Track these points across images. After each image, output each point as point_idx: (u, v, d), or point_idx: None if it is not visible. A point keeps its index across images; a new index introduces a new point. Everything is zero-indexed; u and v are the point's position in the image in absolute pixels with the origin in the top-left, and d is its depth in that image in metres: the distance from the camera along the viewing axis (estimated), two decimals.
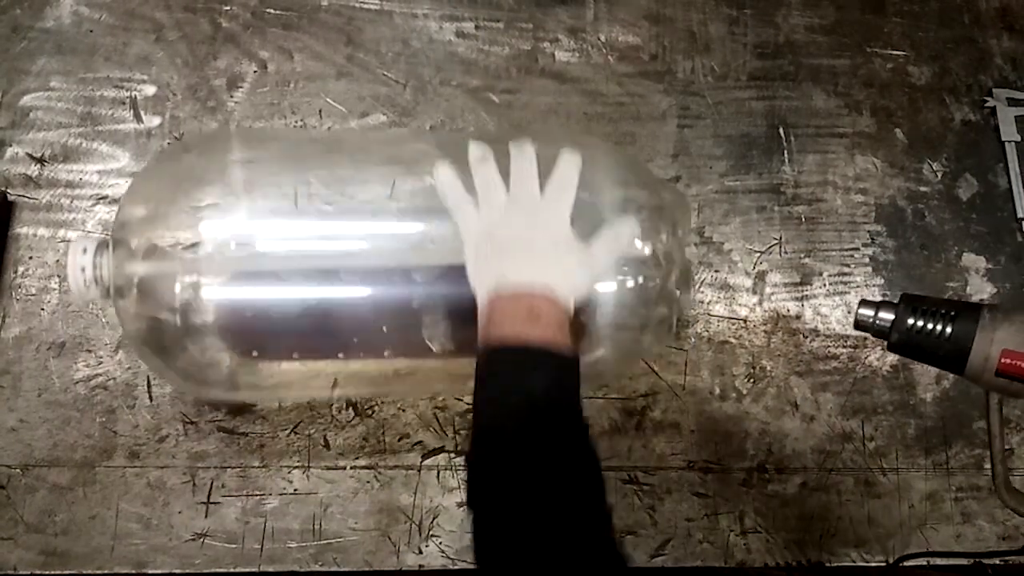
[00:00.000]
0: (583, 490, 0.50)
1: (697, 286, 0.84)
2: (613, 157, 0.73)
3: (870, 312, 0.60)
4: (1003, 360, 0.54)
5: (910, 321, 0.58)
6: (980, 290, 0.87)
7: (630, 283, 0.65)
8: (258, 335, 0.66)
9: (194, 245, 0.63)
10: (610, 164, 0.69)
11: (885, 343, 0.60)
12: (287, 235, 0.66)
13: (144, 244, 0.62)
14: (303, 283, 0.64)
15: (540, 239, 0.56)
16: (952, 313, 0.57)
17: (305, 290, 0.65)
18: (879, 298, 0.61)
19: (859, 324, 0.61)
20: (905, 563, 0.77)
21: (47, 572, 0.71)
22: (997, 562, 0.80)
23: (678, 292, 0.67)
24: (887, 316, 0.59)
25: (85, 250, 0.59)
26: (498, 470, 0.49)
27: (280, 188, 0.66)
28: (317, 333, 0.67)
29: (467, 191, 0.58)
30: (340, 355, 0.67)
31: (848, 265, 0.86)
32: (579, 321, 0.63)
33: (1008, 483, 0.61)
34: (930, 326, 0.57)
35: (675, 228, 0.67)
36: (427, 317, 0.65)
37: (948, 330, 0.56)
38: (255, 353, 0.67)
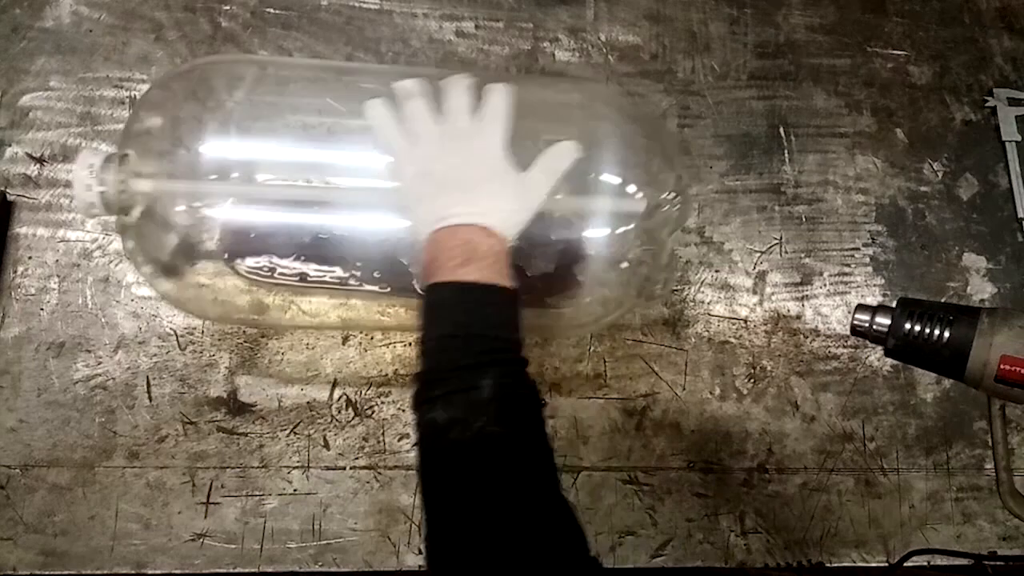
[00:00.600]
0: (523, 431, 0.49)
1: (697, 286, 0.84)
2: (617, 103, 0.74)
3: (866, 317, 0.59)
4: (1002, 366, 0.53)
5: (907, 326, 0.57)
6: (981, 290, 0.87)
7: (609, 229, 0.65)
8: (259, 253, 0.67)
9: (199, 168, 0.64)
10: (613, 108, 0.70)
11: (882, 348, 0.60)
12: (287, 161, 0.67)
13: (150, 163, 0.62)
14: (301, 207, 0.65)
15: (473, 172, 0.56)
16: (950, 318, 0.56)
17: (302, 213, 0.65)
18: (875, 303, 0.60)
19: (855, 329, 0.60)
20: (907, 563, 0.77)
21: (46, 572, 0.71)
22: (998, 562, 0.80)
23: (665, 236, 0.67)
24: (884, 321, 0.58)
25: (92, 165, 0.59)
26: (444, 400, 0.49)
27: (281, 118, 0.67)
28: (316, 250, 0.67)
29: (397, 129, 0.57)
30: (338, 272, 0.69)
31: (849, 265, 0.86)
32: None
33: (1013, 489, 0.60)
34: (927, 331, 0.56)
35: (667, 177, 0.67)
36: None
37: (946, 335, 0.55)
38: (254, 272, 0.68)
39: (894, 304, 0.59)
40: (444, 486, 0.48)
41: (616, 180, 0.65)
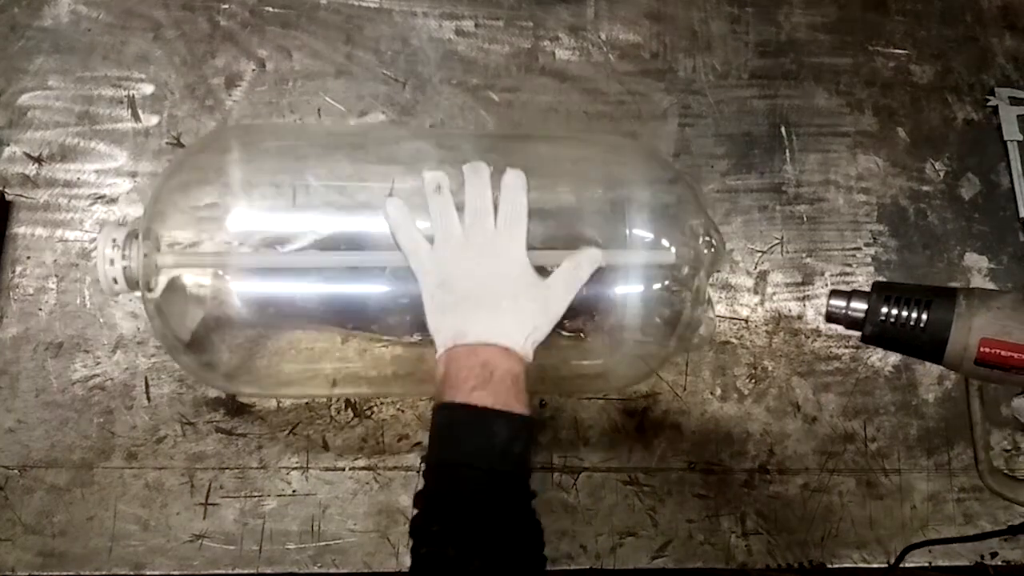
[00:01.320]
0: (521, 563, 0.49)
1: None
2: (650, 163, 0.73)
3: (841, 303, 0.57)
4: (982, 349, 0.52)
5: (883, 310, 0.55)
6: None
7: (641, 284, 0.65)
8: (282, 324, 0.67)
9: (219, 239, 0.63)
10: (643, 168, 0.70)
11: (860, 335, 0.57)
12: (306, 231, 0.66)
13: (172, 236, 0.62)
14: (321, 277, 0.64)
15: (496, 285, 0.54)
16: (927, 300, 0.54)
17: (324, 283, 0.64)
18: (850, 287, 0.59)
19: (831, 316, 0.58)
20: (908, 564, 0.77)
21: (45, 573, 0.71)
22: (999, 563, 0.80)
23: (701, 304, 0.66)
24: (859, 306, 0.56)
25: (115, 241, 0.58)
26: (442, 536, 0.49)
27: (306, 186, 0.66)
28: (333, 321, 0.66)
29: (417, 229, 0.56)
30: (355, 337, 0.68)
31: (850, 265, 0.86)
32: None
33: (992, 467, 0.59)
34: (905, 315, 0.54)
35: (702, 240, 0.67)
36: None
37: (924, 319, 0.54)
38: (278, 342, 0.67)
39: (869, 288, 0.57)
40: None
41: (647, 235, 0.65)
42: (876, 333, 0.56)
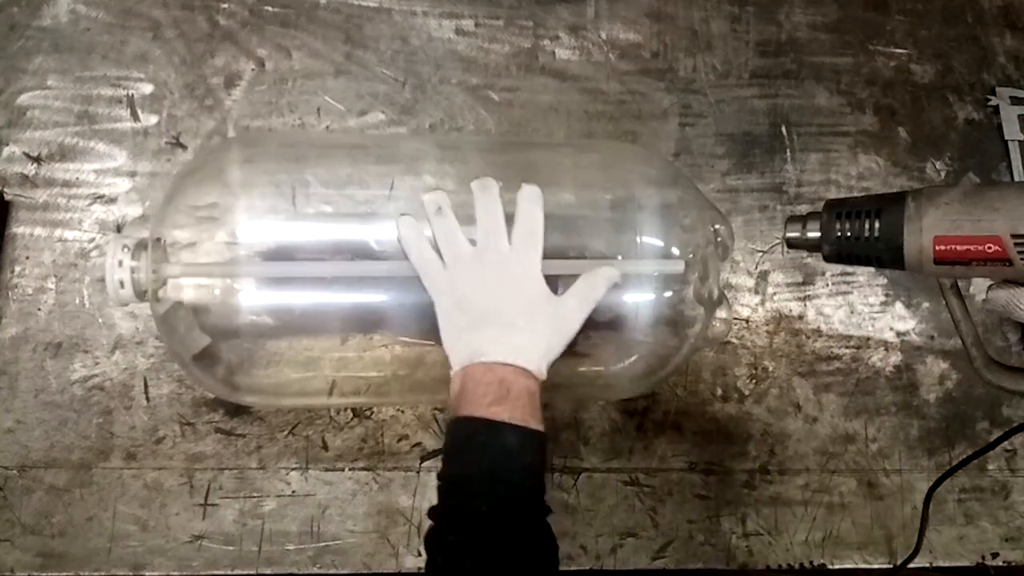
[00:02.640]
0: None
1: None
2: (656, 166, 0.73)
3: (798, 226, 0.57)
4: (937, 247, 0.50)
5: (837, 227, 0.54)
6: (982, 290, 0.86)
7: (652, 290, 0.65)
8: (287, 333, 0.67)
9: (232, 250, 0.63)
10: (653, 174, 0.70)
11: (822, 256, 0.57)
12: (324, 240, 0.67)
13: (181, 246, 0.62)
14: (330, 286, 0.64)
15: (510, 305, 0.54)
16: (876, 209, 0.53)
17: (333, 291, 0.64)
18: (804, 211, 0.58)
19: (790, 242, 0.58)
20: (910, 564, 0.77)
21: (44, 574, 0.71)
22: (1000, 563, 0.80)
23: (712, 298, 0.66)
24: (815, 226, 0.56)
25: (123, 250, 0.58)
26: (459, 547, 0.49)
27: (315, 196, 0.66)
28: (341, 328, 0.66)
29: (430, 248, 0.56)
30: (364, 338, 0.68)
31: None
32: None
33: (987, 359, 0.57)
34: (858, 227, 0.53)
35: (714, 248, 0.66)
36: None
37: (876, 227, 0.53)
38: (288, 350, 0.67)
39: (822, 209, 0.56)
40: None
41: (656, 241, 0.65)
42: (835, 252, 0.55)
